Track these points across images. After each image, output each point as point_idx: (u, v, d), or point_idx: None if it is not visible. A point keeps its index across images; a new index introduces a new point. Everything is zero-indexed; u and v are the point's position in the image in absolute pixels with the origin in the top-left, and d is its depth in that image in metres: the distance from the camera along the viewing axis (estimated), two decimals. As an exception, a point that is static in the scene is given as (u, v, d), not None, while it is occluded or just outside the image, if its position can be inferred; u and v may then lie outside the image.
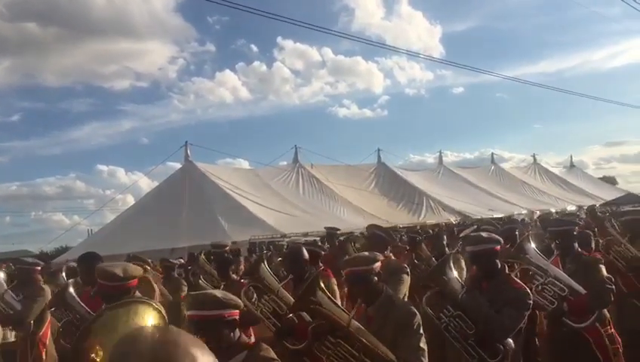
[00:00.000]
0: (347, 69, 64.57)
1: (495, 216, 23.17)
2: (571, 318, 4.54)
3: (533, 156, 40.33)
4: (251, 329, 5.34)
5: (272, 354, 3.00)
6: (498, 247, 4.13)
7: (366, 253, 3.97)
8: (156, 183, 25.79)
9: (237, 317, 3.02)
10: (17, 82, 55.94)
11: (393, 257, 5.85)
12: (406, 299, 5.27)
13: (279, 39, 52.00)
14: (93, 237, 24.22)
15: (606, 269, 5.47)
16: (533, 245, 4.88)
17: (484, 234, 4.44)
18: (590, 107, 73.94)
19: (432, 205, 26.83)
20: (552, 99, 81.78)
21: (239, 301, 3.11)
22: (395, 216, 24.29)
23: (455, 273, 4.19)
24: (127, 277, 3.98)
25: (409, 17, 60.88)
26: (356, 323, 3.48)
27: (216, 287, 5.62)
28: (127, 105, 70.34)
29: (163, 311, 2.93)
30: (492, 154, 37.98)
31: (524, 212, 26.52)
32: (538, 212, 25.54)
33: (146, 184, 30.64)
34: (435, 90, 66.97)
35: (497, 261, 4.09)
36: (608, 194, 33.58)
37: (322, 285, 3.64)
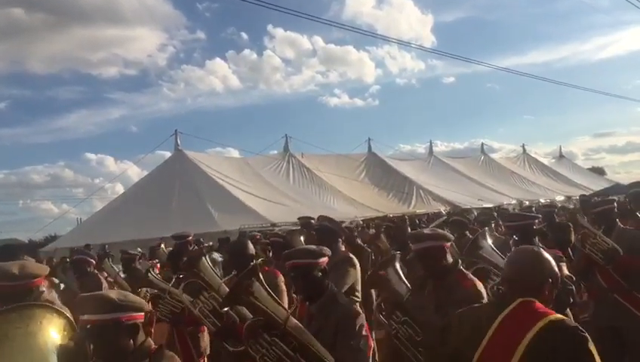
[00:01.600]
0: (338, 58, 64.44)
1: (485, 205, 23.28)
2: None
3: (523, 146, 40.63)
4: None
5: None
6: (446, 244, 3.75)
7: (312, 246, 3.65)
8: (146, 172, 25.76)
9: (138, 321, 2.65)
10: (4, 69, 55.42)
11: (343, 249, 5.48)
12: (358, 293, 5.07)
13: (270, 27, 51.90)
14: (82, 225, 24.13)
15: (583, 263, 5.32)
16: (489, 241, 4.59)
17: (427, 230, 4.13)
18: (579, 98, 74.61)
19: (422, 194, 26.96)
20: (541, 90, 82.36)
21: (143, 303, 2.76)
22: (385, 205, 24.39)
23: (400, 273, 3.87)
24: (25, 276, 3.57)
25: (400, 6, 60.96)
26: (294, 320, 3.24)
27: (169, 281, 5.49)
28: (115, 93, 69.87)
29: (68, 314, 2.71)
30: (482, 144, 38.23)
31: (513, 202, 26.68)
32: (527, 202, 25.68)
33: (135, 173, 30.55)
34: (426, 80, 67.13)
35: (446, 259, 3.71)
36: (597, 185, 33.85)
37: (261, 277, 3.32)
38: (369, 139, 31.44)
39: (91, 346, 2.62)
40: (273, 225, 17.23)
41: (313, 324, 3.30)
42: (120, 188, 29.17)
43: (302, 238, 5.91)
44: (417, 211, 23.09)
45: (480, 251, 4.49)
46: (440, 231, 4.09)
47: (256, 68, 58.87)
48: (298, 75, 60.69)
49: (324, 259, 3.42)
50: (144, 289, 5.76)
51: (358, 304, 5.02)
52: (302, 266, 3.37)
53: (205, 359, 5.50)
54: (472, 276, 3.72)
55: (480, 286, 3.62)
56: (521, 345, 2.28)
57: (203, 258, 4.55)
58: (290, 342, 3.13)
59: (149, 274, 6.04)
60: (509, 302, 2.41)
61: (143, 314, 2.69)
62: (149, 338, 2.72)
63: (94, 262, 7.11)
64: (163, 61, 60.04)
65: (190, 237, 7.30)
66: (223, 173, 22.23)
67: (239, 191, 21.15)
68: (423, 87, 66.65)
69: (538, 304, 2.42)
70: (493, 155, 38.40)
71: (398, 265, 3.95)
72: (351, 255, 5.24)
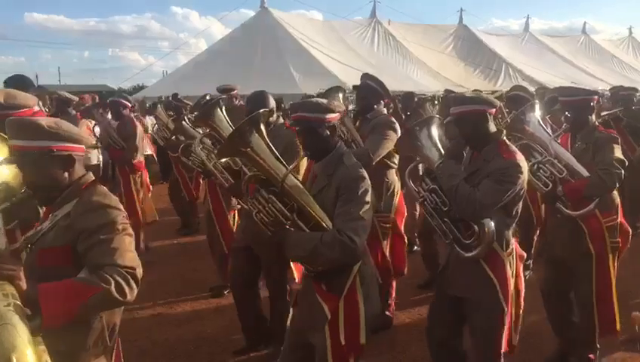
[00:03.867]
0: None
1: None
2: (569, 205, 3.95)
3: (629, 29, 37.33)
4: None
5: (109, 200, 2.38)
6: (490, 110, 3.36)
7: (322, 100, 3.25)
8: (229, 30, 25.70)
9: (74, 154, 2.41)
10: None
11: (384, 112, 5.09)
12: (396, 159, 4.82)
13: None
14: (167, 77, 24.81)
15: None
16: (537, 115, 4.22)
17: (469, 93, 3.70)
18: None
19: (511, 73, 25.76)
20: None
21: (80, 135, 2.46)
22: (471, 81, 23.48)
23: (436, 138, 3.51)
24: (11, 106, 3.34)
25: None
26: (294, 179, 3.03)
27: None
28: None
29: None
30: (584, 23, 35.42)
31: (608, 87, 25.10)
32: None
33: (218, 29, 30.67)
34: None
35: (487, 125, 3.35)
36: None
37: (262, 128, 3.01)
38: (461, 9, 29.79)
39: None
40: (352, 91, 17.08)
41: (316, 184, 3.11)
42: (203, 44, 29.56)
43: (340, 96, 5.42)
44: (503, 90, 22.18)
45: (525, 125, 4.14)
46: (483, 95, 3.67)
47: None
48: None
49: (333, 116, 3.10)
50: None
51: (393, 170, 4.86)
52: (307, 120, 3.08)
53: (236, 213, 5.57)
54: (515, 149, 3.35)
55: (522, 160, 3.27)
56: None
57: (218, 109, 4.30)
58: (288, 201, 2.96)
59: (183, 122, 6.10)
60: None
61: (80, 146, 2.44)
62: (89, 174, 2.49)
63: (130, 105, 7.36)
64: None
65: (234, 92, 7.11)
66: (307, 36, 21.87)
67: (322, 55, 20.87)
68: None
69: None
70: (595, 37, 35.67)
71: (434, 129, 3.57)
72: (392, 118, 4.91)
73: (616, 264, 4.12)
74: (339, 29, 24.47)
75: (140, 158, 7.14)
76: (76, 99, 8.07)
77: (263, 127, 3.04)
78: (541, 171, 3.99)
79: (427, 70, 23.82)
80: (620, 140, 4.06)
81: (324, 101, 3.20)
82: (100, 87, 33.57)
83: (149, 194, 7.50)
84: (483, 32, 30.30)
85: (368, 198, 2.95)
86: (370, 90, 4.98)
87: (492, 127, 3.38)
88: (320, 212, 2.95)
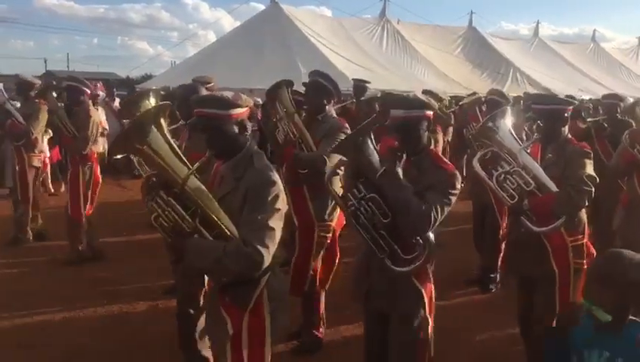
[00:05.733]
0: None
1: (584, 97, 22.05)
2: (534, 219, 3.70)
3: (639, 38, 37.23)
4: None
5: None
6: (427, 113, 3.19)
7: (226, 95, 2.90)
8: (238, 22, 25.71)
9: None
10: None
11: (335, 115, 4.79)
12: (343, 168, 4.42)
13: None
14: (175, 68, 24.88)
15: (624, 164, 4.90)
16: (508, 122, 3.97)
17: (411, 96, 3.51)
18: None
19: (518, 77, 25.69)
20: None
21: None
22: (477, 84, 23.44)
23: (374, 143, 3.20)
24: None
25: None
26: (197, 181, 2.73)
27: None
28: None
29: None
30: (594, 31, 35.30)
31: (615, 97, 25.01)
32: (631, 99, 23.97)
33: (228, 22, 30.67)
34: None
35: (426, 131, 3.21)
36: None
37: (162, 124, 2.70)
38: (471, 12, 29.86)
39: None
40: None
41: (222, 188, 2.87)
42: (212, 36, 29.60)
43: (288, 91, 5.06)
44: (510, 94, 22.14)
45: (494, 132, 3.93)
46: (424, 99, 3.40)
47: None
48: None
49: (240, 111, 2.81)
50: None
51: (339, 178, 4.49)
52: (209, 117, 2.79)
53: None
54: (442, 156, 3.20)
55: (453, 168, 3.17)
56: None
57: (146, 100, 4.10)
58: (190, 206, 2.70)
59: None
60: None
61: None
62: None
63: (88, 92, 7.03)
64: None
65: (211, 85, 6.49)
66: (315, 32, 21.85)
67: (331, 52, 20.82)
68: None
69: None
70: (605, 45, 35.56)
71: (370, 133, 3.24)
72: (345, 123, 4.63)
73: (578, 286, 3.80)
74: (347, 27, 24.42)
75: (92, 150, 6.86)
76: (38, 82, 7.92)
77: (163, 122, 2.74)
78: (508, 182, 3.76)
79: (434, 71, 23.78)
80: (592, 155, 3.86)
81: (229, 95, 2.89)
82: (108, 74, 33.69)
83: (97, 189, 7.20)
84: (492, 35, 30.25)
85: (279, 205, 2.71)
86: (321, 88, 4.68)
87: (425, 133, 3.25)
88: (225, 219, 2.70)
